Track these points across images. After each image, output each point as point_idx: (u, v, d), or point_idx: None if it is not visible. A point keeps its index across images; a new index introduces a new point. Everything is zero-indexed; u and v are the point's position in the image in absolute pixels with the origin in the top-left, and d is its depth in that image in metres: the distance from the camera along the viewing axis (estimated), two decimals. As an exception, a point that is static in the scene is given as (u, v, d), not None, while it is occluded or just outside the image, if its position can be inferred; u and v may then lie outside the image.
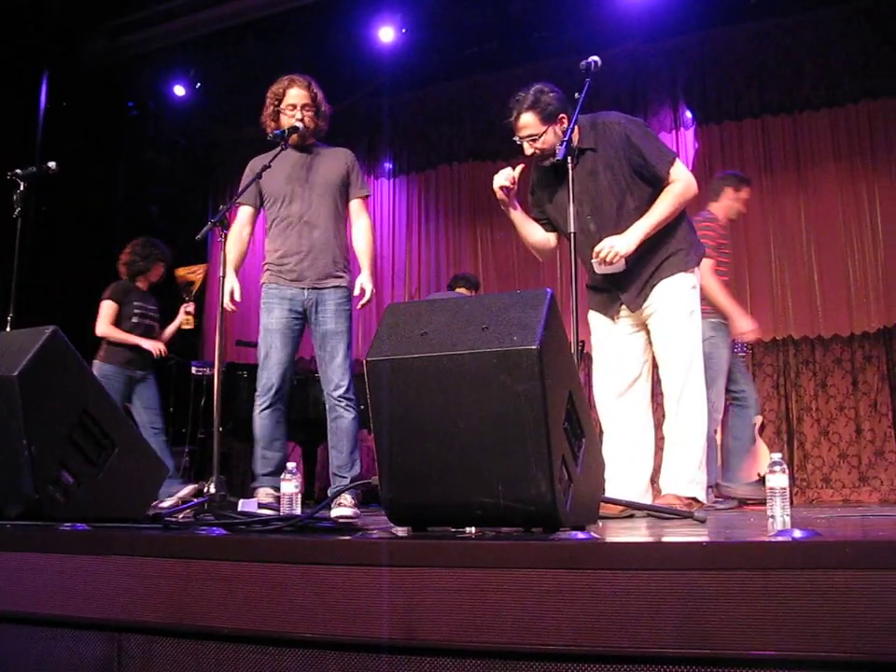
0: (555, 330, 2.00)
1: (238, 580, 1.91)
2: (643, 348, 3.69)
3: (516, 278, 8.17)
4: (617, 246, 3.42)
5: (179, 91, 8.45)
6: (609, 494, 3.49)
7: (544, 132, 3.49)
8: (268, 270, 4.17)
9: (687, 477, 3.50)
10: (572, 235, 3.19)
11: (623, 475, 3.53)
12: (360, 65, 7.88)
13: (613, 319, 3.68)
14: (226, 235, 3.81)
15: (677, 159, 3.59)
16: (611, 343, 3.69)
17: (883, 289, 7.01)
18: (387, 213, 8.87)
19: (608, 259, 3.43)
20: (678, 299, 3.57)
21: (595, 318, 3.76)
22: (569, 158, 3.18)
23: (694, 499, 3.49)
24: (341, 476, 4.02)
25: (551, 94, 3.51)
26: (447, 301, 2.10)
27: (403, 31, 7.54)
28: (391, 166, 8.93)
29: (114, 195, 8.42)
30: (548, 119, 3.48)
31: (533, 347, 1.86)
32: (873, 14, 7.13)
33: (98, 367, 5.74)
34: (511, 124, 3.55)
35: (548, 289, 2.03)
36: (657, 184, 3.54)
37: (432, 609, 1.71)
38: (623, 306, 3.64)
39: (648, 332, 3.66)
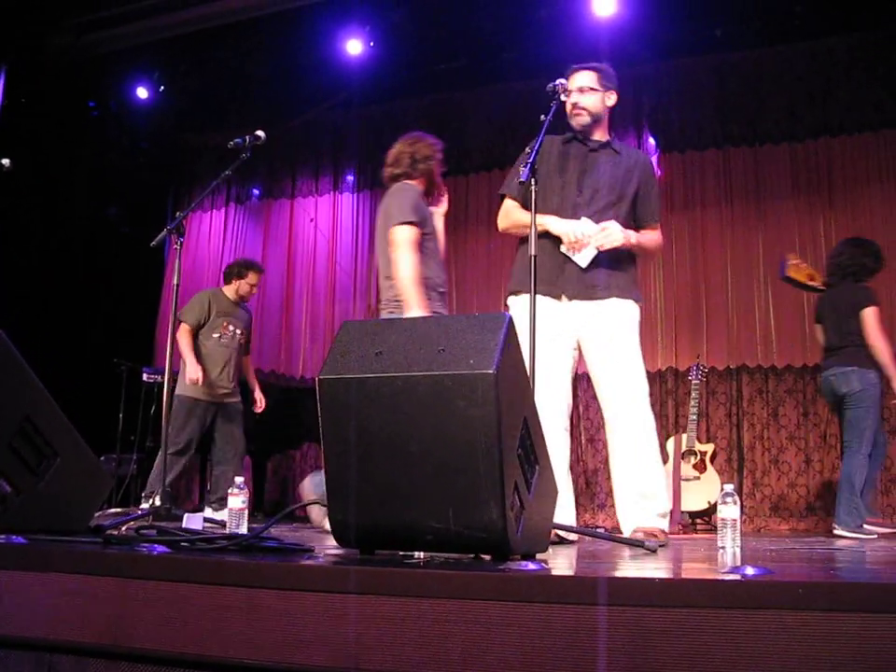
0: (512, 355, 1.97)
1: (178, 601, 1.85)
2: (572, 373, 3.73)
3: (479, 295, 8.16)
4: (616, 233, 3.55)
5: (142, 93, 8.33)
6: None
7: (596, 91, 3.70)
8: None
9: (661, 510, 3.52)
10: (532, 258, 3.17)
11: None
12: (327, 77, 7.83)
13: (559, 299, 3.64)
14: (181, 243, 3.75)
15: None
16: (551, 372, 3.59)
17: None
18: (350, 227, 8.81)
19: (601, 240, 3.53)
20: (633, 325, 3.61)
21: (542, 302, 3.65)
22: (533, 180, 3.16)
23: (662, 531, 3.48)
24: None
25: (608, 67, 3.79)
26: (403, 319, 2.06)
27: (371, 44, 7.51)
28: (354, 180, 8.88)
29: (74, 196, 8.28)
30: (604, 84, 3.72)
31: (490, 372, 1.83)
32: (835, 52, 7.24)
33: None
34: (566, 78, 3.67)
35: (507, 314, 2.00)
36: (639, 223, 3.75)
37: (377, 638, 1.67)
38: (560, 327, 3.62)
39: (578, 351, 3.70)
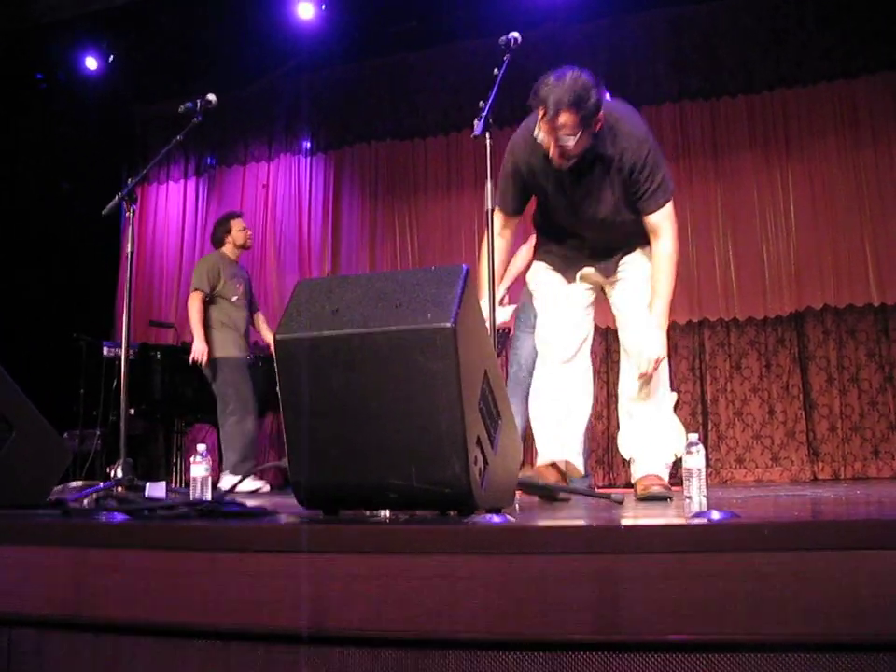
0: (471, 308, 1.94)
1: (139, 568, 1.82)
2: (593, 308, 3.63)
3: (436, 261, 8.11)
4: (654, 353, 3.30)
5: (91, 63, 8.15)
6: (544, 453, 3.47)
7: (579, 134, 3.11)
8: None
9: (666, 459, 3.47)
10: (488, 212, 3.12)
11: (557, 434, 3.47)
12: (279, 41, 7.70)
13: (569, 281, 3.57)
14: (134, 210, 3.67)
15: (671, 201, 3.39)
16: (565, 303, 3.55)
17: (796, 275, 7.14)
18: (304, 191, 8.71)
19: (651, 370, 3.33)
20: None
21: (548, 276, 3.60)
22: (487, 133, 3.10)
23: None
24: None
25: (592, 96, 3.10)
26: (359, 276, 2.03)
27: (323, 7, 7.39)
28: (309, 144, 8.77)
29: (25, 170, 8.11)
30: (585, 122, 3.10)
31: (447, 325, 1.81)
32: (788, 3, 7.23)
33: None
34: (543, 111, 3.12)
35: (464, 265, 1.97)
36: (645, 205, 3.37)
37: (342, 597, 1.65)
38: (582, 271, 3.55)
39: (600, 294, 3.62)
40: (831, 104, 7.22)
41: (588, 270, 3.54)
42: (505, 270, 4.29)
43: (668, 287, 3.39)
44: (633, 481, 3.52)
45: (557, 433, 3.47)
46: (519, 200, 3.51)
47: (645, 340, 3.33)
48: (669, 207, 3.37)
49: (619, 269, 3.51)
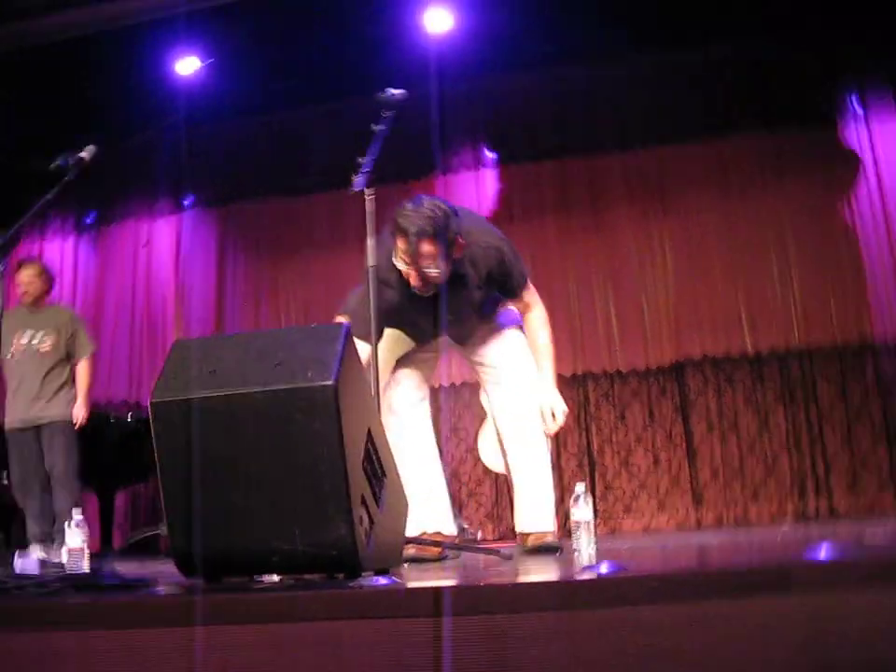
0: (352, 366, 1.91)
1: (5, 651, 1.71)
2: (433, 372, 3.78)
3: (321, 318, 8.04)
4: (556, 405, 3.51)
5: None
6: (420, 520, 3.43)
7: (442, 264, 3.12)
8: None
9: (551, 512, 3.48)
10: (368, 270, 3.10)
11: (429, 496, 3.50)
12: (160, 96, 7.57)
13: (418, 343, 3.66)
14: (3, 270, 3.52)
15: (527, 276, 3.57)
16: (414, 356, 3.66)
17: (675, 325, 7.31)
18: (186, 249, 8.55)
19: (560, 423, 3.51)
20: (517, 340, 3.64)
21: (396, 335, 3.63)
22: (367, 189, 3.11)
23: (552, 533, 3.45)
24: None
25: (451, 224, 3.12)
26: (238, 335, 1.98)
27: (205, 63, 7.32)
28: (192, 201, 8.64)
29: None
30: (447, 250, 3.11)
31: (329, 383, 1.77)
32: (664, 69, 7.48)
33: None
34: (404, 241, 3.09)
35: (344, 323, 1.94)
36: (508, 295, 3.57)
37: (223, 670, 1.57)
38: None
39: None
40: (700, 160, 7.48)
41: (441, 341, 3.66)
42: None
43: (552, 347, 3.60)
44: (520, 530, 3.51)
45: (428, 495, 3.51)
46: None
47: (551, 399, 3.51)
48: (528, 282, 3.55)
49: (483, 351, 3.63)
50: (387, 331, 3.47)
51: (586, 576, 1.67)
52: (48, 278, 5.86)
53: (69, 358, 5.63)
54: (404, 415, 3.59)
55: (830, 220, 7.08)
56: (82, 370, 5.61)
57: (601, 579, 1.60)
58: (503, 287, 3.48)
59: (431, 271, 3.10)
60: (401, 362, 3.66)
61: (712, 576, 1.55)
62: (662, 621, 1.47)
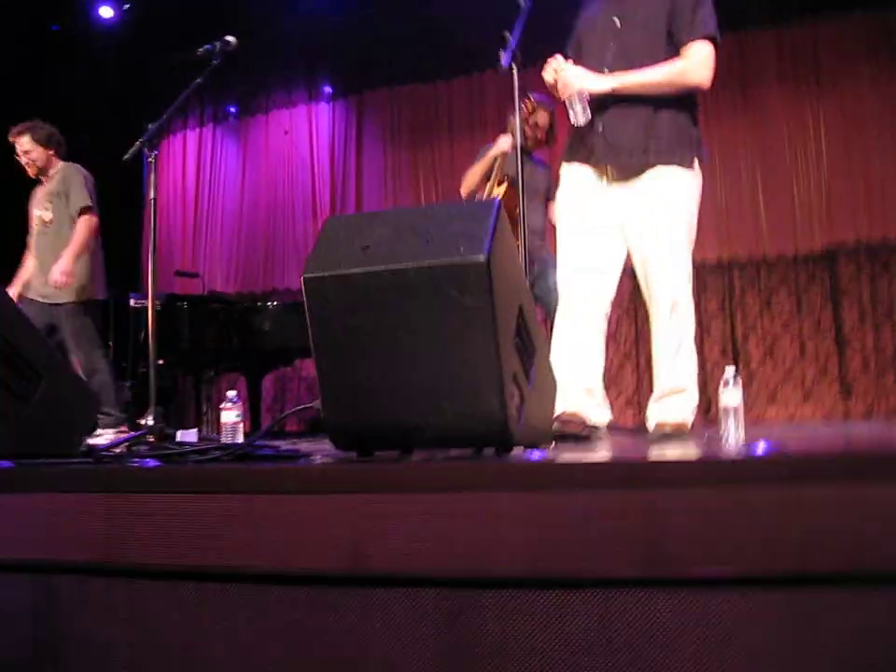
0: (504, 242, 1.88)
1: (173, 513, 1.80)
2: (620, 246, 3.33)
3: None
4: (581, 81, 3.10)
5: (107, 12, 8.06)
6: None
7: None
8: None
9: (691, 403, 3.26)
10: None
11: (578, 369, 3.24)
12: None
13: (600, 177, 3.27)
14: (155, 156, 3.63)
15: (709, 41, 3.14)
16: (593, 211, 3.26)
17: (826, 211, 7.00)
18: (325, 137, 8.63)
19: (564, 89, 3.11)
20: (676, 204, 3.31)
21: (575, 171, 3.33)
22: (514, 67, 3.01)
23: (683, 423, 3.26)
24: None
25: None
26: (389, 211, 1.97)
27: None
28: (329, 90, 8.67)
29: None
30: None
31: (481, 259, 1.74)
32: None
33: None
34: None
35: (496, 199, 1.91)
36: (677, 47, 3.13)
37: (380, 536, 1.62)
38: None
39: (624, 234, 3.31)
40: (863, 34, 7.00)
41: (609, 214, 3.26)
42: None
43: (650, 79, 3.11)
44: (656, 418, 3.30)
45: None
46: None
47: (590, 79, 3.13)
48: (708, 49, 3.13)
49: (639, 227, 3.25)
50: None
51: (744, 454, 1.62)
52: (47, 139, 5.41)
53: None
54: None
55: None
56: (77, 228, 5.24)
57: (757, 457, 1.56)
58: (682, 22, 3.10)
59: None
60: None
61: (878, 458, 1.48)
62: (820, 501, 1.42)
